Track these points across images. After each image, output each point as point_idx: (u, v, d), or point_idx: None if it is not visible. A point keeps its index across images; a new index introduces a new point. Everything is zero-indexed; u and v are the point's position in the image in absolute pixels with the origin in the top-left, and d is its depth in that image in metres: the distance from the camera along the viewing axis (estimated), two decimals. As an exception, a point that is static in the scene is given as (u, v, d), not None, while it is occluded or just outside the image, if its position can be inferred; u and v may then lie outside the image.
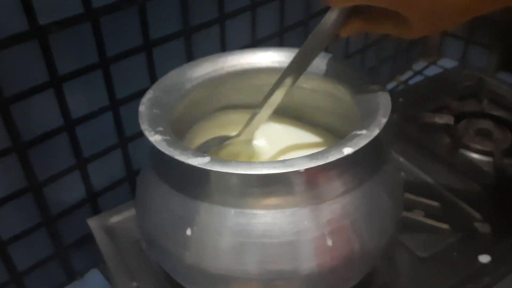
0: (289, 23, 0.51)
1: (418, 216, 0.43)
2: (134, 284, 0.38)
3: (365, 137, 0.27)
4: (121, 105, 0.42)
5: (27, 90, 0.36)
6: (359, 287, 0.37)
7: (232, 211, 0.27)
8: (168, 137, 0.28)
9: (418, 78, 0.70)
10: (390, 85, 0.69)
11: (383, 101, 0.30)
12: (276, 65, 0.36)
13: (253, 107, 0.34)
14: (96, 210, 0.45)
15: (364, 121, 0.28)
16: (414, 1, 0.25)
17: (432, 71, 0.71)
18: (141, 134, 0.29)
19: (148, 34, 0.40)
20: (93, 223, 0.42)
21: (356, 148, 0.26)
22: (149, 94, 0.32)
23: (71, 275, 0.46)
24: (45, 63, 0.36)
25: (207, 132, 0.38)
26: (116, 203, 0.44)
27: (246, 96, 0.37)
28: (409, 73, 0.71)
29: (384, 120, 0.28)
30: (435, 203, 0.44)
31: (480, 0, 0.25)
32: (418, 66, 0.72)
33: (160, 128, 0.29)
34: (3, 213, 0.38)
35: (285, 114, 0.39)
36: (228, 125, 0.39)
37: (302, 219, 0.27)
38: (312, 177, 0.26)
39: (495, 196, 0.45)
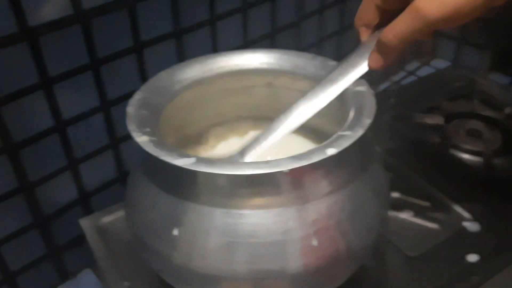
0: (280, 25, 0.51)
1: (408, 215, 0.43)
2: (126, 283, 0.38)
3: (349, 138, 0.27)
4: (112, 106, 0.42)
5: (18, 91, 0.36)
6: (348, 287, 0.37)
7: (219, 211, 0.28)
8: (155, 138, 0.28)
9: (411, 79, 0.70)
10: (383, 86, 0.69)
11: (368, 102, 0.30)
12: (265, 66, 0.36)
13: (243, 108, 0.35)
14: (88, 211, 0.45)
15: (349, 122, 0.28)
16: None
17: (425, 71, 0.71)
18: (132, 135, 0.29)
19: (138, 35, 0.41)
20: (85, 223, 0.43)
21: (340, 149, 0.26)
22: (137, 95, 0.32)
23: (64, 275, 0.47)
24: (36, 64, 0.36)
25: (197, 133, 0.38)
26: (108, 204, 0.44)
27: (236, 97, 0.37)
28: (402, 74, 0.72)
29: (368, 121, 0.28)
30: (425, 203, 0.44)
31: None
32: (411, 66, 0.73)
33: (148, 129, 0.29)
34: (-5, 214, 0.39)
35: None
36: (218, 126, 0.39)
37: (288, 219, 0.28)
38: (297, 177, 0.27)
39: (484, 195, 0.45)
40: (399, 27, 0.27)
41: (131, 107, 0.31)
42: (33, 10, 0.34)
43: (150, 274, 0.39)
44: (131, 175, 0.34)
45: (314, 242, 0.28)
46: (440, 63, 0.72)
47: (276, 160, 0.26)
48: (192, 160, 0.26)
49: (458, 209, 0.43)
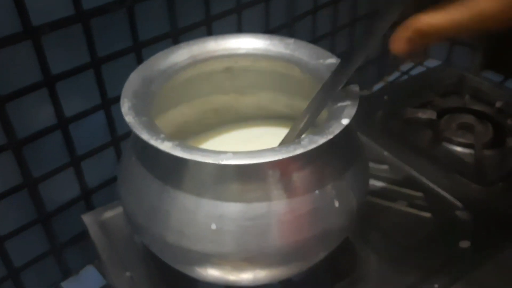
0: (274, 25, 0.53)
1: (401, 206, 0.45)
2: (128, 273, 0.39)
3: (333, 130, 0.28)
4: (113, 104, 0.43)
5: (21, 89, 0.37)
6: (342, 276, 0.39)
7: (205, 198, 0.28)
8: (145, 118, 0.29)
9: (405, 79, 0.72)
10: (378, 86, 0.71)
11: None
12: (256, 51, 0.37)
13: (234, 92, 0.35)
14: (90, 207, 0.46)
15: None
16: None
17: (418, 71, 0.73)
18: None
19: (137, 35, 0.42)
20: (88, 219, 0.44)
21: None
22: (131, 79, 0.32)
23: (67, 271, 0.48)
24: (39, 63, 0.37)
25: (189, 116, 0.39)
26: (110, 200, 0.45)
27: (228, 80, 0.38)
28: (396, 74, 0.73)
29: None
30: (418, 193, 0.45)
31: None
32: (404, 67, 0.74)
33: (141, 114, 0.29)
34: (-1, 209, 0.40)
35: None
36: (210, 110, 0.40)
37: (273, 205, 0.28)
38: (281, 168, 0.28)
39: (475, 186, 0.46)
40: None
41: (125, 92, 0.31)
42: (36, 10, 0.35)
43: (150, 265, 0.40)
44: (124, 155, 0.34)
45: (297, 224, 0.29)
46: (433, 63, 0.73)
47: (262, 150, 0.27)
48: (174, 143, 0.27)
49: (450, 198, 0.45)
